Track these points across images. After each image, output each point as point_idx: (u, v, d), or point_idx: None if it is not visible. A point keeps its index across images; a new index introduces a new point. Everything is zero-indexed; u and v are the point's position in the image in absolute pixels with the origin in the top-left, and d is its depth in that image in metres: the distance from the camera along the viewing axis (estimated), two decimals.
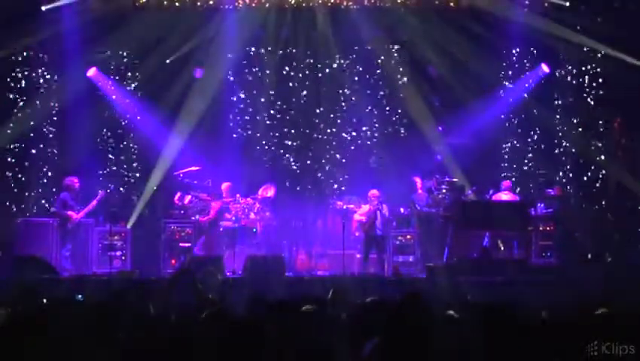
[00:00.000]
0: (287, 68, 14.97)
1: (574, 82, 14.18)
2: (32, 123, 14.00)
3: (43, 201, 13.89)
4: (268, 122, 14.94)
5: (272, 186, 13.73)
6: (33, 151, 14.10)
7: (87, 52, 14.20)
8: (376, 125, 14.93)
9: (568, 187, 14.03)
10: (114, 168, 14.62)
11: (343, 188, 14.69)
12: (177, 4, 14.24)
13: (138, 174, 14.64)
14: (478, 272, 11.34)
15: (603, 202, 13.82)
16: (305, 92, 14.92)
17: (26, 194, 13.94)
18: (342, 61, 14.93)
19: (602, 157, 13.78)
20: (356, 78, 14.94)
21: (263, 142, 14.89)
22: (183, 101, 14.34)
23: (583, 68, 14.07)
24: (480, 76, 14.22)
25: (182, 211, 13.39)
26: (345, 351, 4.40)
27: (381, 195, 12.87)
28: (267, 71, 14.96)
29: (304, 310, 4.72)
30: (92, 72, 14.46)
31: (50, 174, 14.12)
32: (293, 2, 14.38)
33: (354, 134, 14.94)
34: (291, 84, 14.96)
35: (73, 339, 4.16)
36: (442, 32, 14.12)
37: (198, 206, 13.34)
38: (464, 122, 14.34)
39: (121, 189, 14.51)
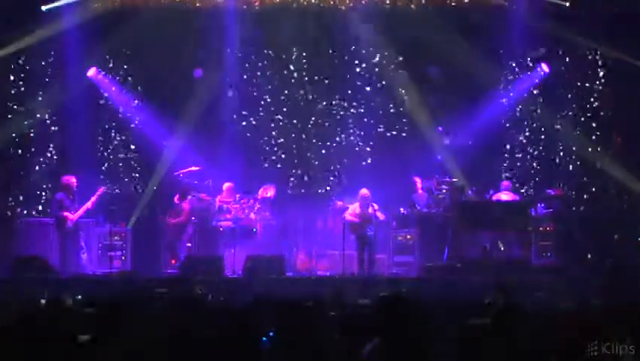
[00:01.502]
0: (287, 68, 14.94)
1: (573, 82, 14.17)
2: (32, 123, 14.02)
3: (43, 202, 13.87)
4: (268, 122, 14.90)
5: (272, 187, 13.73)
6: (33, 151, 14.09)
7: (87, 52, 14.20)
8: (377, 125, 14.89)
9: (568, 187, 14.02)
10: (114, 168, 14.60)
11: (344, 186, 14.65)
12: (176, 3, 14.25)
13: (138, 174, 14.62)
14: (478, 272, 11.35)
15: (603, 202, 13.80)
16: (305, 93, 14.89)
17: (24, 194, 13.93)
18: (342, 61, 14.91)
19: (602, 157, 13.76)
20: (356, 78, 14.92)
21: (263, 142, 14.87)
22: (183, 101, 14.33)
23: (583, 68, 14.07)
24: (479, 76, 14.19)
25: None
26: (344, 351, 4.40)
27: (371, 194, 12.81)
28: (267, 72, 14.93)
29: (304, 310, 4.72)
30: (92, 72, 14.45)
31: (50, 174, 14.10)
32: (293, 2, 14.36)
33: (357, 132, 14.90)
34: (290, 84, 14.93)
35: (73, 339, 4.16)
36: (442, 32, 14.08)
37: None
38: (464, 122, 14.33)
39: (121, 188, 14.48)
